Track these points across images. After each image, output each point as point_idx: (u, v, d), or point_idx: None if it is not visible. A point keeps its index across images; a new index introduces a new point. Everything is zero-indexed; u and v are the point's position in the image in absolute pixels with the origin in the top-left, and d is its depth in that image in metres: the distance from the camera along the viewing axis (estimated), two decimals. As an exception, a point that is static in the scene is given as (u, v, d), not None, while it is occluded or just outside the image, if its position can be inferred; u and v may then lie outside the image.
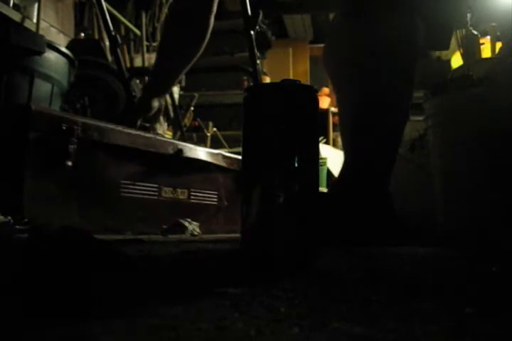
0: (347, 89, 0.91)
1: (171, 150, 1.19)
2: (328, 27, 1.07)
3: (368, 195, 0.85)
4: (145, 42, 3.02)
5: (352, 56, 0.89)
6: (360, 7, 0.89)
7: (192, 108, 2.95)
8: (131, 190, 1.10)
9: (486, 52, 1.62)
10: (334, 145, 3.93)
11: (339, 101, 0.96)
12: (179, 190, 1.23)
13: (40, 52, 1.36)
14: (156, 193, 1.16)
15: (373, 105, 0.87)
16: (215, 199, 1.34)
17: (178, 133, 2.48)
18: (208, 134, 3.28)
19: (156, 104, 1.33)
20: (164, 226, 1.10)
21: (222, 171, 1.35)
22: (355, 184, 0.87)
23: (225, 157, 1.35)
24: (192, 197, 1.27)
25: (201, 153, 1.29)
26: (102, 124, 1.04)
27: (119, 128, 1.08)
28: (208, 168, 1.30)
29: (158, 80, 1.36)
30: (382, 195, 0.87)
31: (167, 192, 1.19)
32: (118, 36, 1.71)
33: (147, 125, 1.32)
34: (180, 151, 1.20)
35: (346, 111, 0.93)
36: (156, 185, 1.16)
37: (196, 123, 3.26)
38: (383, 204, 0.86)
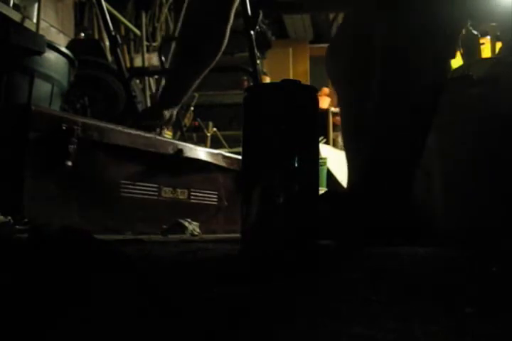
0: (350, 89, 0.91)
1: (171, 150, 1.19)
2: (338, 27, 1.06)
3: (389, 196, 0.84)
4: (145, 42, 3.01)
5: (355, 56, 0.88)
6: (369, 6, 0.88)
7: (192, 108, 2.95)
8: (131, 190, 1.10)
9: (486, 52, 1.62)
10: (334, 145, 3.93)
11: (344, 102, 0.95)
12: (179, 190, 1.23)
13: (40, 52, 1.36)
14: (156, 193, 1.16)
15: (375, 105, 0.87)
16: (215, 199, 1.34)
17: (178, 133, 2.48)
18: (208, 134, 3.28)
19: (167, 114, 1.35)
20: (164, 226, 1.10)
21: (222, 171, 1.35)
22: (377, 185, 0.85)
23: (225, 157, 1.35)
24: (192, 197, 1.26)
25: (201, 153, 1.29)
26: (102, 124, 1.04)
27: (119, 128, 1.08)
28: (207, 168, 1.30)
29: (171, 92, 1.37)
30: (403, 196, 0.85)
31: (167, 192, 1.19)
32: (118, 36, 1.71)
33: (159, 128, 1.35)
34: (180, 151, 1.20)
35: (353, 112, 0.92)
36: (156, 185, 1.16)
37: (196, 123, 3.26)
38: (404, 205, 0.85)
